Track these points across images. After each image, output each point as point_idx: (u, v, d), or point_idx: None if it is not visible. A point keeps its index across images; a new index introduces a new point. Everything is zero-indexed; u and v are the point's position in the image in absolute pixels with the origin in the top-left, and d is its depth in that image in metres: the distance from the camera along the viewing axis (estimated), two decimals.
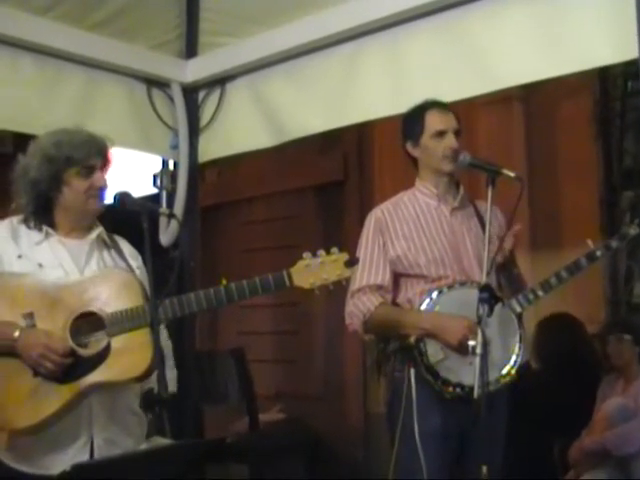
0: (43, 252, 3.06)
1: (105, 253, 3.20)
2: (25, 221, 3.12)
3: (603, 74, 5.39)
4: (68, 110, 4.49)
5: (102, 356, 2.92)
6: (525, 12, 3.75)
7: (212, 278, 7.40)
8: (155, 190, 5.06)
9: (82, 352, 2.92)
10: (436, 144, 3.57)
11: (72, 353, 2.90)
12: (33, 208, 3.11)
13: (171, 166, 5.09)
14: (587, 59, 3.60)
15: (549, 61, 3.69)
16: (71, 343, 2.91)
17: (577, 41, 3.58)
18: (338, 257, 2.98)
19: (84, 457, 2.92)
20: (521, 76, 3.84)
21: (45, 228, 3.09)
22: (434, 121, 3.59)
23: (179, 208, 4.89)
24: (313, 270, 2.96)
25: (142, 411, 3.18)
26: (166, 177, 5.02)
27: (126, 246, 3.31)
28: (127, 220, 3.00)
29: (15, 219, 3.14)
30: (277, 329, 6.96)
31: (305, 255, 2.99)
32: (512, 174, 3.25)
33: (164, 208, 4.78)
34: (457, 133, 3.59)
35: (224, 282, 3.03)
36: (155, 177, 5.04)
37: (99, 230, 3.19)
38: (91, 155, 3.09)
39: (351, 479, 6.08)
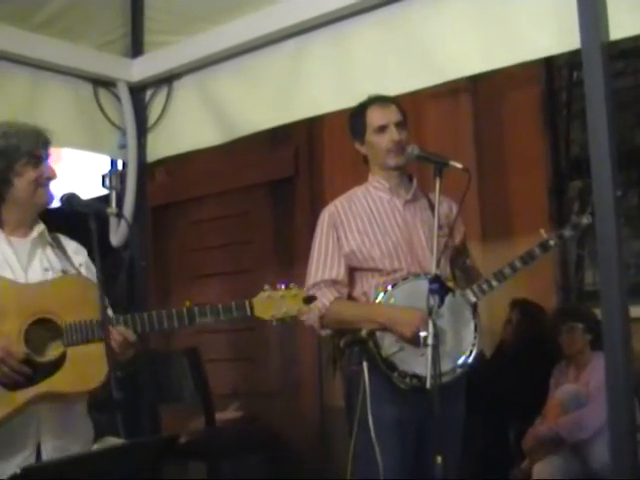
0: None
1: (49, 251, 3.12)
2: None
3: (549, 64, 5.45)
4: (14, 112, 4.40)
5: (56, 365, 2.88)
6: (469, 4, 3.77)
7: (164, 277, 7.37)
8: (105, 191, 5.02)
9: (36, 358, 2.86)
10: (379, 139, 3.60)
11: (26, 359, 2.84)
12: None
13: (120, 166, 5.04)
14: (531, 50, 3.63)
15: (494, 52, 3.71)
16: (25, 349, 2.84)
17: (521, 32, 3.61)
18: (298, 292, 3.12)
19: None
20: (466, 68, 3.88)
21: None
22: (374, 117, 3.63)
23: (128, 208, 4.84)
24: (275, 303, 3.07)
25: (93, 414, 3.14)
26: (115, 177, 4.97)
27: (70, 243, 3.23)
28: (75, 222, 2.96)
29: None
30: (232, 327, 6.93)
31: (266, 287, 3.10)
32: (459, 166, 3.28)
33: (112, 208, 4.75)
34: (401, 124, 3.61)
35: (188, 304, 3.06)
36: (104, 177, 4.98)
37: (41, 228, 3.12)
38: (39, 145, 3.06)
39: (308, 477, 6.07)
